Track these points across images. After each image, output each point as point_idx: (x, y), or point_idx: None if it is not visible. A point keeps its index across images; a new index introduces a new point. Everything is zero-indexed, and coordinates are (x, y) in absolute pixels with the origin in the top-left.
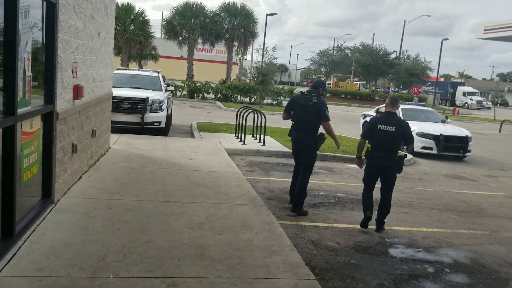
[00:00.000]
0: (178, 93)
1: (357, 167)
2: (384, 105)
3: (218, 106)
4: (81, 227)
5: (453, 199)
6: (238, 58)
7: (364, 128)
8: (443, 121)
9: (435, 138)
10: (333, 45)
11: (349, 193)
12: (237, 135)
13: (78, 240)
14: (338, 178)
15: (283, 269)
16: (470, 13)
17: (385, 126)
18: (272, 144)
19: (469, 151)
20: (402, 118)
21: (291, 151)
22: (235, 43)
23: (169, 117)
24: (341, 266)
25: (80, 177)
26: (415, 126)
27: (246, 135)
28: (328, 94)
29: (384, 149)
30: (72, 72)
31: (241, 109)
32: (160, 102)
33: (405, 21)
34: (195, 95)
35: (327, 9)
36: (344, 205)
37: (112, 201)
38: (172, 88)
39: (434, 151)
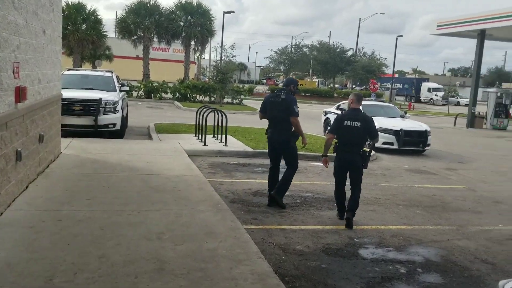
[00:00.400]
0: (135, 94)
1: (322, 165)
2: (344, 101)
3: (176, 106)
4: (26, 243)
5: (417, 194)
6: (196, 57)
7: (332, 124)
8: (402, 116)
9: (395, 133)
10: (291, 43)
11: (315, 192)
12: (197, 135)
13: (22, 259)
14: (302, 177)
15: (251, 280)
16: (421, 11)
17: (351, 122)
18: (234, 144)
19: (429, 145)
20: None
21: (253, 150)
22: (192, 42)
23: (124, 119)
24: (312, 271)
25: (26, 187)
26: (376, 122)
27: (207, 135)
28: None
29: (350, 144)
30: (13, 72)
31: (200, 109)
32: (114, 103)
33: (360, 19)
34: (152, 95)
35: (283, 7)
36: (310, 205)
37: (62, 212)
38: (127, 88)
39: (395, 146)
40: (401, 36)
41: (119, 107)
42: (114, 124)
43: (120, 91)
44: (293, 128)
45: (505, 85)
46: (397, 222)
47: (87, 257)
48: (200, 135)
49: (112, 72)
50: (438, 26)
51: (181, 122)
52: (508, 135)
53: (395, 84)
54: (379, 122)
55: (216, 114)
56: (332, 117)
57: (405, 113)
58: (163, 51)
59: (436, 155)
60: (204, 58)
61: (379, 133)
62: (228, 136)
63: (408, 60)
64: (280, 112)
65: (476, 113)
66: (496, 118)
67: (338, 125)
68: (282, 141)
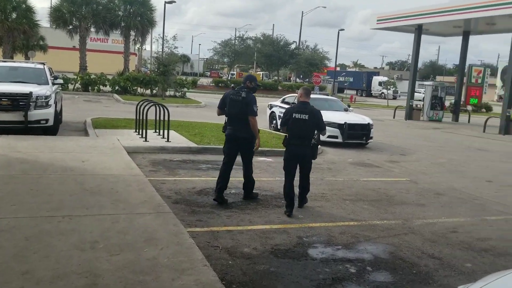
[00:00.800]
0: (71, 87)
1: (268, 159)
2: (290, 94)
3: (116, 99)
4: None
5: (363, 188)
6: (136, 48)
7: (282, 117)
8: (346, 110)
9: (339, 126)
10: (235, 35)
11: (262, 189)
12: (137, 131)
13: None
14: None
15: None
16: (360, 6)
17: (299, 115)
18: (177, 139)
19: (371, 138)
20: None
21: (197, 145)
22: (132, 32)
23: (58, 114)
24: (261, 276)
25: None
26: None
27: (148, 131)
28: (233, 85)
29: (299, 137)
30: None
31: (141, 102)
32: (47, 97)
33: (302, 12)
34: (90, 88)
35: None
36: (258, 202)
37: None
38: (60, 81)
39: (339, 140)
40: (343, 30)
41: (51, 102)
42: (47, 120)
43: (53, 84)
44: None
45: (439, 78)
46: (345, 218)
47: (9, 274)
48: (140, 131)
49: (44, 64)
50: (378, 20)
51: (120, 117)
52: (443, 127)
53: (346, 77)
54: (324, 115)
55: (157, 108)
56: (277, 111)
57: (348, 106)
58: (102, 42)
59: (378, 148)
60: (145, 49)
61: None
62: (171, 131)
63: (348, 53)
64: (239, 110)
65: (414, 105)
66: (432, 110)
67: (287, 118)
68: (244, 137)
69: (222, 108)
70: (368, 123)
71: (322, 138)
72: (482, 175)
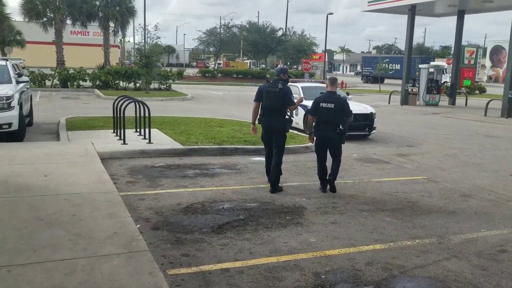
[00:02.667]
0: (48, 83)
1: (263, 159)
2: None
3: (96, 95)
4: None
5: (378, 192)
6: (119, 40)
7: (311, 106)
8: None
9: None
10: (220, 23)
11: (261, 199)
12: (115, 131)
13: None
14: (244, 178)
15: None
16: None
17: (326, 104)
18: (161, 139)
19: (374, 128)
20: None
21: (183, 147)
22: (111, 23)
23: (24, 117)
24: None
25: None
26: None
27: (129, 130)
28: (220, 75)
29: (326, 122)
30: None
31: (118, 99)
32: (9, 98)
33: None
34: (68, 84)
35: None
36: (258, 221)
37: None
38: (25, 78)
39: None
40: (332, 14)
41: (14, 103)
42: (10, 124)
43: (18, 82)
44: (287, 116)
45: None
46: (367, 239)
47: None
48: (119, 131)
49: (7, 60)
50: (369, 2)
51: (99, 115)
52: (441, 111)
53: (390, 64)
54: None
55: (137, 105)
56: None
57: (348, 94)
58: (83, 35)
59: (382, 138)
60: (129, 41)
61: None
62: (153, 130)
63: (334, 39)
64: (277, 102)
65: (410, 90)
66: (429, 94)
67: (316, 107)
68: (279, 127)
69: (259, 101)
70: (371, 113)
71: None
72: (503, 168)
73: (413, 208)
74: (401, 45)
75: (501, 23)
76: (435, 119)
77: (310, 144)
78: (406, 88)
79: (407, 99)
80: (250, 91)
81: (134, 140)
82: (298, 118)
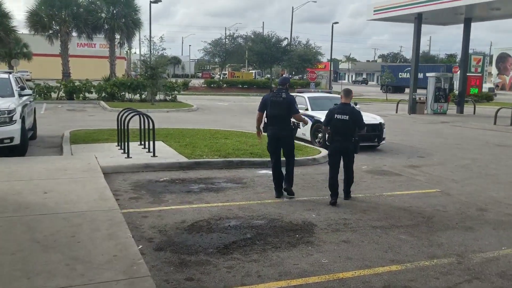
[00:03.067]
0: (54, 95)
1: (270, 173)
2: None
3: (102, 107)
4: None
5: (391, 207)
6: (125, 51)
7: (325, 118)
8: None
9: None
10: (225, 34)
11: (269, 216)
12: (120, 144)
13: None
14: (251, 193)
15: None
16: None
17: (340, 116)
18: (165, 152)
19: (384, 138)
20: (310, 108)
21: (188, 160)
22: (117, 35)
23: (26, 131)
24: None
25: None
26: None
27: (133, 143)
28: (225, 85)
29: (341, 134)
30: None
31: (122, 112)
32: (10, 111)
33: (293, 7)
34: (74, 96)
35: None
36: (266, 240)
37: None
38: (28, 91)
39: None
40: (337, 23)
41: (17, 116)
42: (11, 138)
43: (20, 95)
44: (291, 124)
45: None
46: (382, 259)
47: None
48: (123, 144)
49: (10, 73)
50: (375, 11)
51: (104, 127)
52: (449, 120)
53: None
54: None
55: (142, 117)
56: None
57: (355, 104)
58: (90, 47)
59: (391, 149)
60: (135, 53)
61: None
62: (158, 143)
63: (339, 48)
64: (281, 110)
65: (417, 98)
66: (437, 103)
67: (330, 118)
68: (285, 135)
69: (262, 111)
70: (380, 123)
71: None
72: None
73: (429, 224)
74: (406, 53)
75: (505, 30)
76: (444, 128)
77: (317, 155)
78: (414, 97)
79: (415, 108)
80: (255, 101)
81: (138, 153)
82: (304, 129)
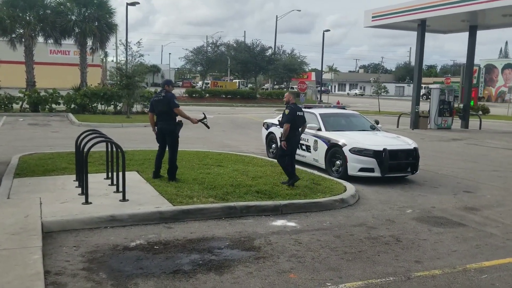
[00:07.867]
0: (16, 107)
1: (288, 224)
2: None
3: (70, 120)
4: None
5: None
6: (101, 58)
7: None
8: (373, 128)
9: (376, 154)
10: (207, 42)
11: None
12: (78, 179)
13: None
14: (272, 272)
15: None
16: (327, 11)
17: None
18: (140, 192)
19: (418, 167)
20: (323, 128)
21: (173, 207)
22: (89, 40)
23: None
24: None
25: None
26: (343, 139)
27: (97, 175)
28: (208, 95)
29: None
30: None
31: (82, 135)
32: None
33: (277, 16)
34: (40, 107)
35: (194, 8)
36: None
37: None
38: None
39: (377, 174)
40: (328, 30)
41: None
42: None
43: None
44: (177, 119)
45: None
46: None
47: None
48: (83, 179)
49: None
50: (373, 17)
51: (66, 149)
52: (459, 136)
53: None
54: (351, 139)
55: (109, 145)
56: (277, 131)
57: (377, 123)
58: (63, 54)
59: (425, 180)
60: (112, 60)
61: (353, 156)
62: (131, 174)
63: (319, 58)
64: (163, 107)
65: (420, 112)
66: (441, 117)
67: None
68: (169, 130)
69: (152, 111)
70: (415, 148)
71: (352, 172)
72: None
73: None
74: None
75: (486, 42)
76: (462, 148)
77: (344, 194)
78: (416, 110)
79: (417, 122)
80: (242, 112)
81: (102, 194)
82: (317, 154)
